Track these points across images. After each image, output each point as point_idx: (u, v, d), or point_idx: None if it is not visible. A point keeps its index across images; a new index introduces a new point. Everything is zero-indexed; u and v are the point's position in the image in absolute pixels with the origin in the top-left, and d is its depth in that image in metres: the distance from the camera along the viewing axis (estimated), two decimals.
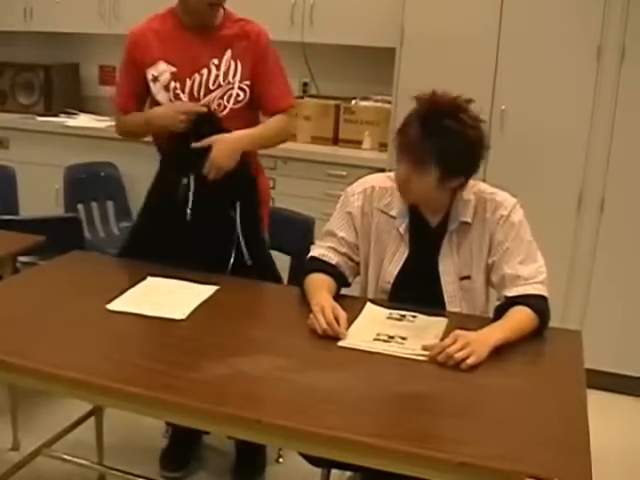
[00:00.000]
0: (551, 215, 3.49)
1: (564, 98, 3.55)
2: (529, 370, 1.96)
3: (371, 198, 2.31)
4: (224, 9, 2.64)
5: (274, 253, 2.80)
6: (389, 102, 3.99)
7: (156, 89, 2.61)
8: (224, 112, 2.61)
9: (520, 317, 2.09)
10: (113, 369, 1.84)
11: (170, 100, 2.60)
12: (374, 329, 2.08)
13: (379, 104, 4.27)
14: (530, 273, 2.16)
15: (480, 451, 1.54)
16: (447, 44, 3.66)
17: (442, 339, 1.98)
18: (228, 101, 2.61)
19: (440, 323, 2.13)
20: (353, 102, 4.35)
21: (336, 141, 4.35)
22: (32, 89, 4.95)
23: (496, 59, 3.61)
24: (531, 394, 1.82)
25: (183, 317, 2.14)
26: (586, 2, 3.45)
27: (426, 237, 2.26)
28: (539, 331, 2.11)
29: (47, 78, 4.92)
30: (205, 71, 2.58)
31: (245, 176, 2.62)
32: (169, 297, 2.27)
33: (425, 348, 1.95)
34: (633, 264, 3.58)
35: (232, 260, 2.59)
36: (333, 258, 2.31)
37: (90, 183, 4.33)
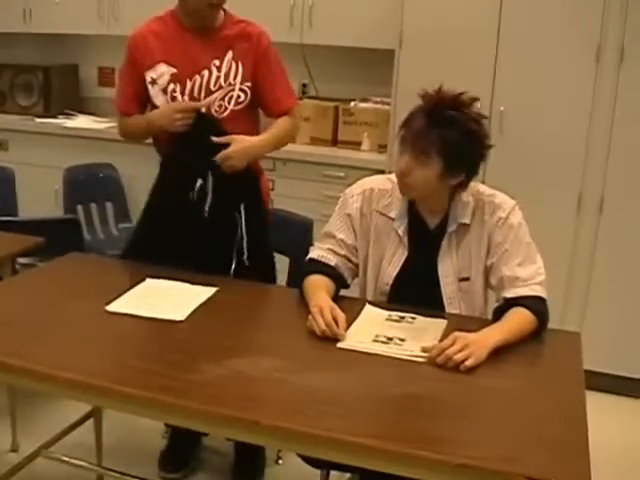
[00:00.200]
0: (550, 216, 3.49)
1: (563, 98, 3.55)
2: (528, 371, 1.96)
3: (370, 200, 2.31)
4: (224, 11, 2.64)
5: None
6: (388, 104, 3.99)
7: (154, 92, 2.61)
8: (225, 113, 2.61)
9: (519, 319, 2.09)
10: (112, 370, 1.84)
11: (167, 103, 2.59)
12: (373, 330, 2.08)
13: (378, 105, 4.27)
14: (529, 275, 2.16)
15: (479, 452, 1.54)
16: (446, 45, 3.66)
17: (441, 340, 1.98)
18: (229, 102, 2.61)
19: (439, 324, 2.13)
20: (352, 103, 4.35)
21: (335, 142, 4.35)
22: (31, 90, 4.95)
23: (495, 60, 3.61)
24: (530, 395, 1.82)
25: (182, 318, 2.14)
26: (585, 2, 3.45)
27: (425, 239, 2.26)
28: (538, 332, 2.11)
29: (46, 79, 4.92)
30: (206, 72, 2.58)
31: (249, 177, 2.62)
32: (168, 298, 2.27)
33: (424, 350, 1.95)
34: (632, 265, 3.58)
35: (234, 262, 2.59)
36: (332, 260, 2.31)
37: (89, 184, 4.33)
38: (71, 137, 4.61)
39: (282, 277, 2.85)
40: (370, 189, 2.32)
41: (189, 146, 2.53)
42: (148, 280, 2.40)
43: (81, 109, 5.05)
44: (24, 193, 4.05)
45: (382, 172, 3.79)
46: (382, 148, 4.09)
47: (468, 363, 1.88)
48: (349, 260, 2.33)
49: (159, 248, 2.55)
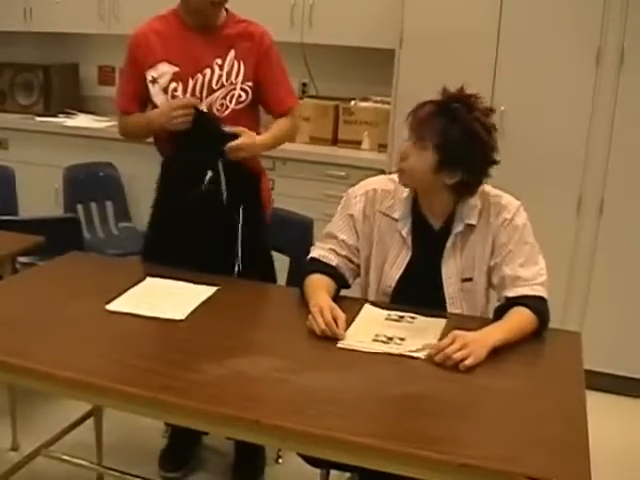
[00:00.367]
0: (551, 217, 3.49)
1: (563, 100, 3.55)
2: (529, 371, 1.96)
3: (373, 200, 2.30)
4: (227, 10, 2.65)
5: (273, 254, 2.81)
6: (388, 103, 3.99)
7: (154, 91, 2.60)
8: (226, 112, 2.61)
9: (519, 318, 2.09)
10: (112, 369, 1.84)
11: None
12: (372, 330, 2.08)
13: (378, 105, 4.27)
14: (530, 275, 2.16)
15: (480, 452, 1.54)
16: (446, 45, 3.66)
17: (441, 339, 1.98)
18: (230, 101, 2.61)
19: (439, 324, 2.13)
20: (352, 103, 4.35)
21: (335, 142, 4.35)
22: (31, 89, 4.95)
23: (495, 61, 3.61)
24: (530, 395, 1.82)
25: (182, 318, 2.14)
26: (585, 5, 3.45)
27: (429, 240, 2.25)
28: (538, 332, 2.11)
29: (46, 78, 4.91)
30: (208, 71, 2.58)
31: (250, 178, 2.62)
32: (168, 298, 2.27)
33: (424, 347, 1.95)
34: (632, 266, 3.58)
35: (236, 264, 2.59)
36: (333, 260, 2.31)
37: (89, 183, 4.33)
38: (71, 136, 4.61)
39: (282, 276, 2.85)
40: (373, 190, 2.31)
41: (190, 145, 2.53)
42: (148, 279, 2.40)
43: (81, 108, 5.05)
44: (24, 192, 4.05)
45: (382, 171, 3.80)
46: (382, 147, 4.09)
47: (467, 362, 1.88)
48: (350, 261, 2.33)
49: (173, 248, 2.56)
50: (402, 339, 2.03)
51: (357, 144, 4.28)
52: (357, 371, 1.88)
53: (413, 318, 2.17)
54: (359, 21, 4.15)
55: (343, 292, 2.33)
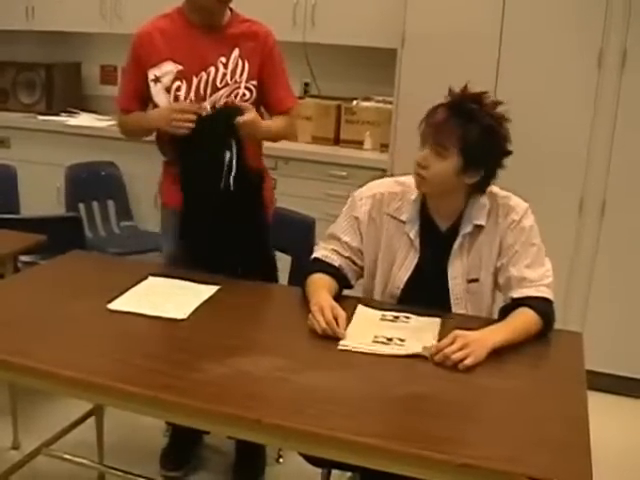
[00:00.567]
0: (552, 218, 3.47)
1: (566, 101, 3.54)
2: (530, 371, 1.96)
3: (380, 204, 2.29)
4: (231, 10, 2.65)
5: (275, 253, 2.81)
6: (390, 102, 3.99)
7: (155, 90, 2.60)
8: None
9: (523, 319, 2.09)
10: (113, 368, 1.84)
11: (169, 103, 2.58)
12: (371, 331, 2.07)
13: (380, 105, 4.27)
14: (536, 276, 2.16)
15: (481, 452, 1.54)
16: (448, 46, 3.66)
17: (441, 339, 1.98)
18: (234, 100, 2.61)
19: (434, 324, 2.13)
20: (354, 102, 4.35)
21: (337, 141, 4.35)
22: (33, 88, 4.95)
23: (497, 62, 3.61)
24: (532, 395, 1.82)
25: (184, 317, 2.14)
26: (588, 6, 3.44)
27: (436, 241, 2.25)
28: (543, 333, 2.10)
29: (48, 77, 4.92)
30: (212, 69, 2.58)
31: (253, 178, 2.62)
32: (170, 297, 2.27)
33: (425, 349, 1.95)
34: (633, 267, 3.58)
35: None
36: (336, 260, 2.30)
37: (91, 182, 4.33)
38: (73, 135, 4.61)
39: (284, 276, 2.85)
40: (380, 193, 2.30)
41: (190, 151, 2.52)
42: (150, 278, 2.40)
43: (83, 107, 5.05)
44: (26, 191, 4.05)
45: (384, 171, 3.81)
46: (384, 147, 4.09)
47: (467, 362, 1.88)
48: (353, 262, 2.32)
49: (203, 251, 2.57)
50: (402, 340, 2.02)
51: (359, 144, 4.28)
52: (359, 371, 1.88)
53: (408, 318, 2.17)
54: (361, 21, 4.15)
55: (345, 292, 2.33)
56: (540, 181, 3.58)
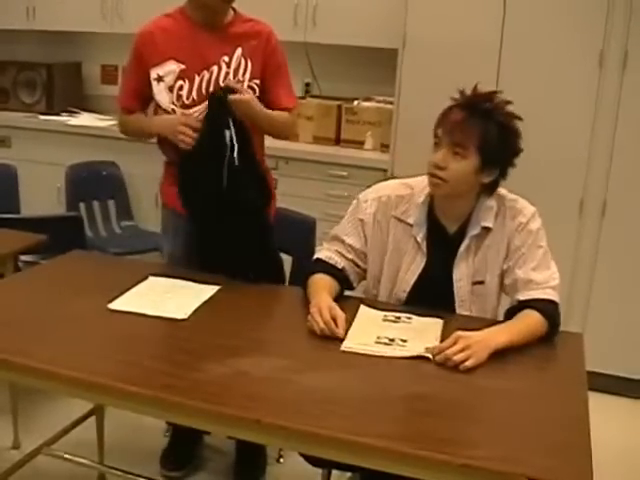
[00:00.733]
0: (553, 219, 3.45)
1: (566, 102, 3.54)
2: (531, 372, 1.96)
3: (386, 206, 2.28)
4: (234, 10, 2.65)
5: None
6: (391, 103, 3.98)
7: (158, 89, 2.60)
8: None
9: (528, 321, 2.08)
10: (114, 368, 1.84)
11: (172, 102, 2.59)
12: (373, 332, 2.07)
13: (381, 105, 4.27)
14: (543, 278, 2.16)
15: (481, 453, 1.54)
16: (449, 46, 3.66)
17: (443, 340, 1.98)
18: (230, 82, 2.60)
19: (437, 324, 2.13)
20: (355, 102, 4.35)
21: (338, 141, 4.35)
22: (34, 88, 4.95)
23: (498, 62, 3.60)
24: (533, 396, 1.82)
25: (184, 317, 2.14)
26: (588, 7, 3.44)
27: (444, 244, 2.24)
28: (549, 336, 2.10)
29: (49, 77, 4.92)
30: (215, 68, 2.58)
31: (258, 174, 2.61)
32: (170, 297, 2.27)
33: (428, 350, 1.95)
34: (634, 267, 3.58)
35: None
36: (339, 262, 2.30)
37: (92, 182, 4.34)
38: (74, 135, 4.61)
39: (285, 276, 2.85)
40: (387, 196, 2.29)
41: (192, 168, 2.52)
42: (150, 278, 2.40)
43: (84, 107, 5.05)
44: (27, 190, 4.05)
45: (385, 171, 3.81)
46: (385, 147, 4.08)
47: (468, 363, 1.87)
48: (356, 265, 2.32)
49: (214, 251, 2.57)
50: (404, 340, 2.02)
51: (360, 144, 4.28)
52: (359, 371, 1.88)
53: (409, 319, 2.17)
54: (362, 21, 4.15)
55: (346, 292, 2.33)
56: (541, 182, 3.58)
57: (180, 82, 2.58)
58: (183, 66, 2.57)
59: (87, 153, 4.39)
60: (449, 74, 3.51)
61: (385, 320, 2.16)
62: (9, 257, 2.81)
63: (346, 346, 1.99)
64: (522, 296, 2.15)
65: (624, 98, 3.45)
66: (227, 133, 2.47)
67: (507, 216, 2.22)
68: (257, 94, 2.63)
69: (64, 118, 4.81)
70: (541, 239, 2.21)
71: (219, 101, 2.48)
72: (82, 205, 4.24)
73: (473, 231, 2.21)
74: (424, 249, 2.25)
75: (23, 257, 3.12)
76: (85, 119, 4.82)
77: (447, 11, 3.67)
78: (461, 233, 2.23)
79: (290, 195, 3.73)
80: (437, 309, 2.20)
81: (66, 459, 2.70)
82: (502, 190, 2.25)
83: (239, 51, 2.61)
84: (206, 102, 2.55)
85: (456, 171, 2.11)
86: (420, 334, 2.06)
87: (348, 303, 2.22)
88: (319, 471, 2.29)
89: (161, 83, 2.59)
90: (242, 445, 2.87)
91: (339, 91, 4.53)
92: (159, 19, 2.65)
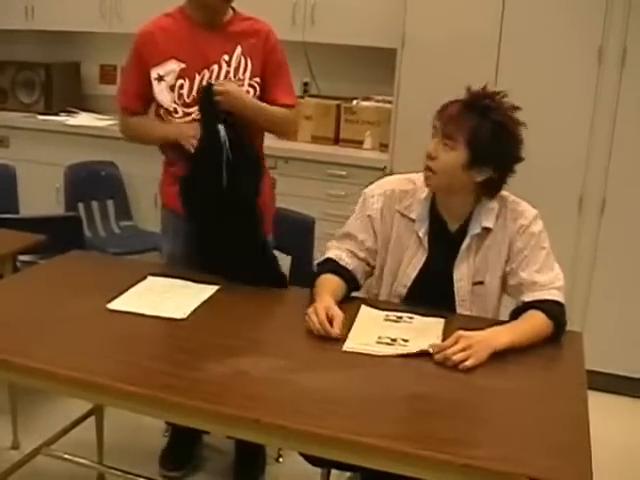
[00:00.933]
0: (552, 217, 3.46)
1: (565, 99, 3.54)
2: (531, 372, 1.96)
3: (391, 201, 2.29)
4: (233, 9, 2.65)
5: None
6: (390, 102, 3.98)
7: (159, 89, 2.59)
8: None
9: (533, 322, 2.08)
10: (113, 368, 1.84)
11: (174, 101, 2.58)
12: (374, 331, 2.07)
13: (380, 104, 4.27)
14: (547, 280, 2.15)
15: (482, 453, 1.53)
16: (448, 45, 3.66)
17: (444, 339, 1.97)
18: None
19: (438, 324, 2.13)
20: (354, 102, 4.35)
21: (337, 141, 4.35)
22: (33, 88, 4.95)
23: (497, 60, 3.60)
24: (533, 396, 1.82)
25: (183, 317, 2.13)
26: (587, 4, 3.44)
27: (445, 241, 2.24)
28: (554, 337, 2.09)
29: (48, 77, 4.91)
30: (215, 67, 2.58)
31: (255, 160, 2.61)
32: (169, 296, 2.27)
33: (430, 346, 1.95)
34: (634, 265, 3.58)
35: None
36: (349, 263, 2.29)
37: (91, 182, 4.33)
38: (73, 135, 4.61)
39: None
40: (391, 190, 2.30)
41: (201, 166, 2.52)
42: (149, 278, 2.40)
43: (83, 107, 5.05)
44: (25, 190, 4.05)
45: (384, 170, 3.80)
46: (384, 147, 4.08)
47: (467, 363, 1.87)
48: (367, 263, 2.32)
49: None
50: (406, 340, 2.02)
51: (359, 143, 4.28)
52: (360, 371, 1.88)
53: (411, 318, 2.17)
54: (361, 20, 4.15)
55: None
56: (540, 179, 3.57)
57: (181, 81, 2.58)
58: (184, 65, 2.57)
59: (86, 153, 4.39)
60: (448, 74, 3.52)
61: (386, 320, 2.16)
62: (8, 257, 2.80)
63: (348, 346, 1.99)
64: (527, 297, 2.14)
65: (623, 94, 3.45)
66: (221, 128, 2.47)
67: (508, 218, 2.21)
68: (258, 92, 2.63)
69: (63, 118, 4.80)
70: (543, 241, 2.21)
71: (207, 93, 2.49)
72: (81, 205, 4.24)
73: (474, 230, 2.21)
74: (425, 245, 2.25)
75: (22, 257, 3.12)
76: (84, 119, 4.82)
77: (446, 11, 3.67)
78: (462, 231, 2.23)
79: (289, 195, 3.73)
80: (437, 306, 2.20)
81: (65, 459, 2.70)
82: (504, 192, 2.25)
83: (239, 50, 2.61)
84: None
85: (444, 162, 2.12)
86: (422, 334, 2.06)
87: (349, 303, 2.22)
88: (318, 471, 2.29)
89: (162, 83, 2.59)
90: (241, 445, 2.87)
91: (338, 90, 4.53)
92: (159, 19, 2.65)
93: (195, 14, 2.60)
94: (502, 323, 2.12)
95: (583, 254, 3.64)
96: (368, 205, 2.31)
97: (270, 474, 2.90)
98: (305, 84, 4.66)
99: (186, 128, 2.55)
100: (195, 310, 2.18)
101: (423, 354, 1.94)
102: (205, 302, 2.25)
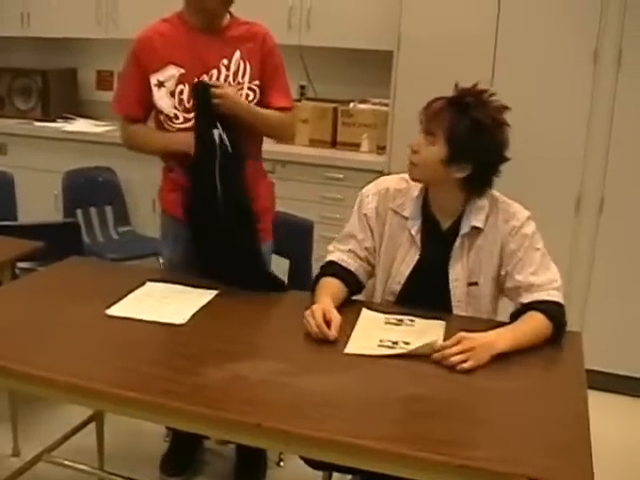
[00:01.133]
0: (550, 217, 3.47)
1: (562, 101, 3.55)
2: (530, 372, 1.96)
3: (385, 199, 2.30)
4: (230, 13, 2.65)
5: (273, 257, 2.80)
6: (387, 105, 3.99)
7: (159, 95, 2.58)
8: None
9: (533, 323, 2.08)
10: (112, 374, 1.84)
11: (175, 107, 2.58)
12: (375, 335, 2.07)
13: (377, 107, 4.27)
14: (544, 281, 2.15)
15: (481, 453, 1.54)
16: (444, 47, 3.66)
17: (446, 340, 1.97)
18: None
19: (439, 326, 2.13)
20: (351, 105, 4.35)
21: (334, 144, 4.35)
22: (29, 94, 4.95)
23: (493, 62, 3.61)
24: (532, 396, 1.82)
25: (182, 322, 2.13)
26: (583, 5, 3.45)
27: (437, 240, 2.25)
28: (555, 338, 2.09)
29: (44, 83, 4.91)
30: (215, 72, 2.58)
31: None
32: (168, 302, 2.27)
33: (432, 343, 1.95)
34: (632, 265, 3.58)
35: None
36: (352, 264, 2.30)
37: (88, 188, 4.34)
38: (70, 141, 4.61)
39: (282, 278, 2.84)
40: (386, 189, 2.32)
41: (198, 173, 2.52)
42: (148, 283, 2.40)
43: (80, 113, 5.05)
44: (23, 197, 4.05)
45: (381, 173, 3.80)
46: (381, 149, 4.09)
47: (466, 365, 1.88)
48: (369, 263, 2.32)
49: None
50: (407, 343, 2.01)
51: (356, 146, 4.28)
52: (358, 374, 1.88)
53: (412, 321, 2.17)
54: (357, 23, 4.15)
55: None
56: (537, 180, 3.59)
57: (180, 87, 2.57)
58: (183, 70, 2.57)
59: (83, 159, 4.39)
60: (444, 75, 3.47)
61: (387, 323, 2.16)
62: (6, 264, 2.81)
63: (349, 350, 1.99)
64: (525, 299, 2.14)
65: (619, 94, 3.45)
66: (216, 132, 2.48)
67: (499, 218, 2.21)
68: (257, 96, 2.63)
69: (60, 124, 4.81)
70: (537, 242, 2.20)
71: (203, 92, 2.49)
72: (79, 211, 4.24)
73: (464, 229, 2.22)
74: (418, 242, 2.26)
75: (20, 264, 3.12)
76: (81, 125, 4.82)
77: (442, 12, 3.68)
78: (454, 230, 2.24)
79: (286, 198, 3.71)
80: (431, 304, 2.20)
81: (66, 466, 2.70)
82: (496, 193, 2.25)
83: (237, 54, 2.61)
84: None
85: (425, 157, 2.15)
86: (423, 336, 2.05)
87: (350, 307, 2.22)
88: (319, 474, 2.29)
89: (162, 89, 2.58)
90: (242, 449, 2.87)
91: (334, 93, 4.53)
92: (157, 24, 2.64)
93: (193, 19, 2.60)
94: (502, 325, 2.12)
95: (581, 254, 3.64)
96: (364, 204, 2.33)
97: (271, 478, 2.90)
98: (302, 87, 4.67)
99: (189, 138, 2.54)
100: (194, 315, 2.18)
101: (423, 356, 1.94)
102: (204, 307, 2.25)
